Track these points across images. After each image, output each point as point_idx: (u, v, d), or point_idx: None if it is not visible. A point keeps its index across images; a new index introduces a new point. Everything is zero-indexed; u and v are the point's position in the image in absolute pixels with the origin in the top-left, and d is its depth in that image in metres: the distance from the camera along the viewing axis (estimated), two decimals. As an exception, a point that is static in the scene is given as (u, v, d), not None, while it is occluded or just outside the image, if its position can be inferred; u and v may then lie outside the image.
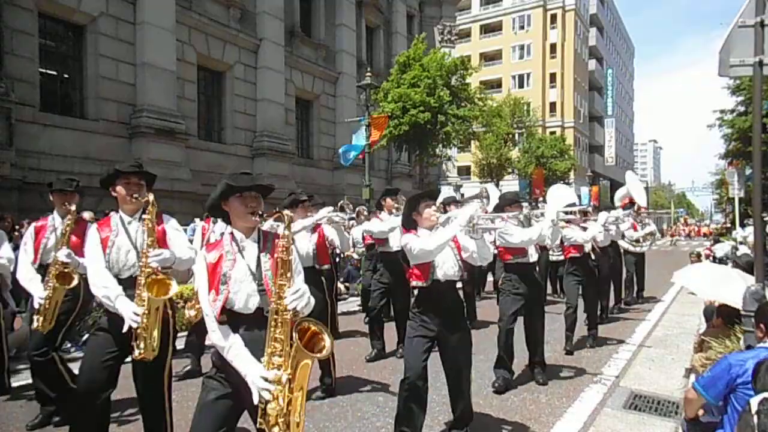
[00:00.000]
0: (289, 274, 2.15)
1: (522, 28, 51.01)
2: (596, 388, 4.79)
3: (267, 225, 4.32)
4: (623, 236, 8.61)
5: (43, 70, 11.25)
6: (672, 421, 3.96)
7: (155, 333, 2.83)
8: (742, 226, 17.62)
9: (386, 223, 5.60)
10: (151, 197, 2.93)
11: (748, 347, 3.62)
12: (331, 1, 19.37)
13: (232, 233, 2.33)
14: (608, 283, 8.07)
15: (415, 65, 18.81)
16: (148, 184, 3.08)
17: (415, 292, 3.42)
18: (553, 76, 50.46)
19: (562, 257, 8.47)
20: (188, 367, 5.13)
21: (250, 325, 2.22)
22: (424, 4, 25.54)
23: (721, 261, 13.05)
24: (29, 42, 10.68)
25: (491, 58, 52.23)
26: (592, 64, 57.45)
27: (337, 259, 8.92)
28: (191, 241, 4.06)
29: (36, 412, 3.90)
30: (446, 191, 11.11)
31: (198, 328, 5.08)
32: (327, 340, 2.10)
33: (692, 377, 4.51)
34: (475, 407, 4.27)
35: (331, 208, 4.47)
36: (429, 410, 4.21)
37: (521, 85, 50.17)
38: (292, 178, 16.71)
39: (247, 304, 2.21)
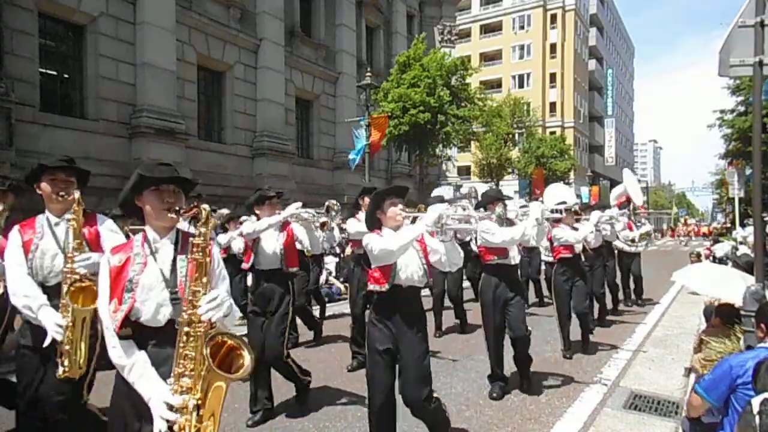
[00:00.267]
0: (205, 279, 1.84)
1: (522, 28, 51.01)
2: (596, 388, 4.79)
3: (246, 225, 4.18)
4: (617, 236, 8.35)
5: (43, 70, 11.24)
6: (672, 421, 3.96)
7: (82, 347, 2.48)
8: (742, 225, 17.62)
9: (364, 223, 5.48)
10: (77, 195, 2.61)
11: (748, 347, 3.63)
12: (331, 1, 19.36)
13: (144, 233, 2.02)
14: (602, 285, 7.75)
15: (415, 65, 18.82)
16: (81, 181, 2.76)
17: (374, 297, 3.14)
18: (553, 76, 50.47)
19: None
20: None
21: (160, 340, 1.90)
22: (424, 4, 25.54)
23: (721, 261, 13.06)
24: (29, 42, 10.67)
25: (491, 58, 52.24)
26: (592, 64, 57.46)
27: (322, 259, 8.60)
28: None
29: None
30: (446, 191, 10.96)
31: None
32: (246, 357, 1.80)
33: (692, 377, 4.51)
34: (475, 407, 4.28)
35: (299, 204, 4.14)
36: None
37: (521, 85, 50.17)
38: (292, 178, 16.71)
39: (157, 315, 1.90)
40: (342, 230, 7.87)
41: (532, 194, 31.42)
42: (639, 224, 9.25)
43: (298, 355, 5.99)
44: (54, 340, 2.47)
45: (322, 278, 9.99)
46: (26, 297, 2.56)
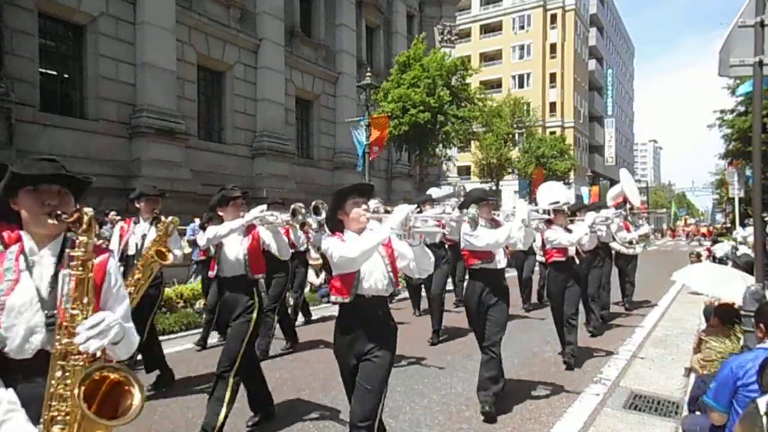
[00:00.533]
0: (86, 299, 1.51)
1: (522, 28, 51.02)
2: (596, 388, 4.79)
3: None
4: (614, 238, 8.09)
5: (43, 70, 11.24)
6: (672, 421, 3.97)
7: None
8: (743, 225, 17.63)
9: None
10: (88, 212, 1.58)
11: (744, 347, 3.63)
12: (331, 1, 19.36)
13: (21, 243, 1.65)
14: (598, 288, 7.44)
15: (415, 65, 18.82)
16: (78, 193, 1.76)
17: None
18: (553, 76, 50.48)
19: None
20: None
21: (31, 374, 1.55)
22: (424, 4, 25.54)
23: (721, 261, 13.06)
24: (29, 42, 10.67)
25: (491, 58, 52.26)
26: (592, 64, 57.48)
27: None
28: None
29: None
30: (437, 191, 10.79)
31: None
32: (137, 395, 1.45)
33: (692, 377, 4.51)
34: (475, 407, 4.28)
35: (263, 207, 3.86)
36: (429, 410, 4.22)
37: (521, 85, 50.18)
38: (292, 178, 16.72)
39: (25, 344, 1.54)
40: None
41: (532, 194, 31.41)
42: (637, 225, 8.94)
43: (300, 357, 6.01)
44: None
45: (321, 279, 9.98)
46: None
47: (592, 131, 57.26)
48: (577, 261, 6.07)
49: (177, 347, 6.28)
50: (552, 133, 44.25)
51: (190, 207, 10.94)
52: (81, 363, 1.47)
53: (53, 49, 11.62)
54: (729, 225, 29.42)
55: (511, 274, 9.78)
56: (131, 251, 4.56)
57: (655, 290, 10.43)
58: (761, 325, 2.64)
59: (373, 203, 2.68)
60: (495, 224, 4.39)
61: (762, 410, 2.09)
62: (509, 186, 37.05)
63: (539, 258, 8.05)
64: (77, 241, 1.55)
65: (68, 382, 1.46)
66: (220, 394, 3.59)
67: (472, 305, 4.29)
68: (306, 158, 18.85)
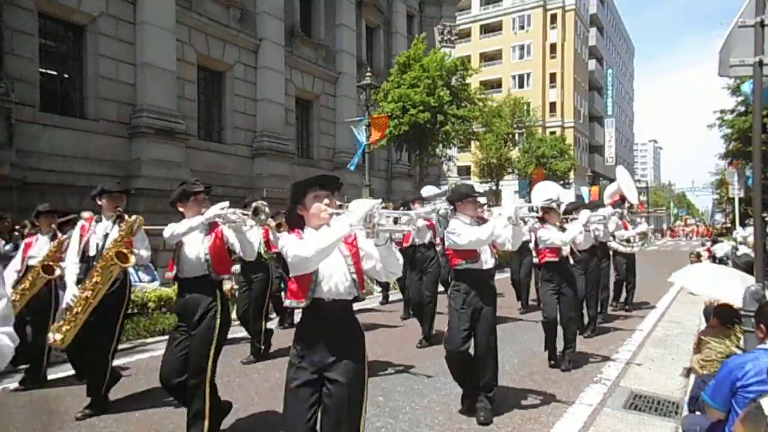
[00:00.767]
0: None
1: (522, 28, 51.04)
2: (596, 388, 4.79)
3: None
4: (613, 236, 7.90)
5: (43, 70, 11.23)
6: (672, 421, 3.97)
7: None
8: (743, 225, 17.63)
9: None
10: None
11: (737, 347, 3.63)
12: (331, 1, 19.36)
13: None
14: (596, 288, 7.18)
15: (415, 65, 18.82)
16: None
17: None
18: (553, 76, 50.49)
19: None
20: None
21: None
22: (424, 4, 25.54)
23: (721, 261, 13.07)
24: (29, 42, 10.67)
25: (491, 58, 52.27)
26: (592, 64, 57.49)
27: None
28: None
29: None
30: (431, 190, 10.67)
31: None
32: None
33: (692, 377, 4.51)
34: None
35: (225, 204, 3.53)
36: (429, 410, 4.22)
37: (521, 85, 50.18)
38: (292, 178, 16.64)
39: None
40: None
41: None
42: (635, 224, 8.75)
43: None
44: None
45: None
46: None
47: (592, 131, 57.28)
48: (572, 261, 5.87)
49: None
50: (552, 133, 44.25)
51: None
52: None
53: (53, 49, 11.62)
54: (729, 225, 29.42)
55: (504, 276, 9.80)
56: (92, 252, 4.15)
57: (655, 290, 10.42)
58: (761, 326, 2.64)
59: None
60: (482, 222, 4.14)
61: (767, 410, 2.09)
62: (509, 186, 37.02)
63: (536, 259, 7.93)
64: None
65: None
66: (198, 408, 3.37)
67: (456, 307, 4.04)
68: (306, 158, 18.85)
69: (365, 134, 14.43)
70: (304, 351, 2.41)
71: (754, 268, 4.23)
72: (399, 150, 21.02)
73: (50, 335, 3.93)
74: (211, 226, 3.65)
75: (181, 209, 3.69)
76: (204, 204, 3.70)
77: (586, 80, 55.64)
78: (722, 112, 24.04)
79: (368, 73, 14.79)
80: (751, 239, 11.23)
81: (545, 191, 5.87)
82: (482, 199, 4.45)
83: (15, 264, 5.05)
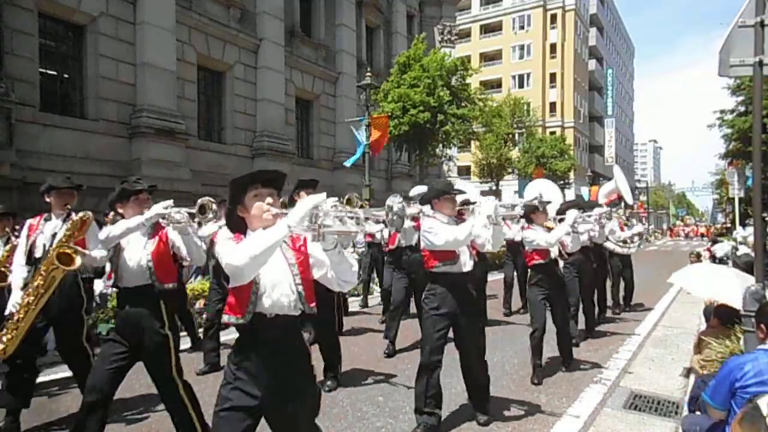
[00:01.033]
0: None
1: (522, 28, 51.06)
2: (596, 388, 4.79)
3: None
4: (608, 237, 7.65)
5: (43, 70, 11.23)
6: (672, 421, 3.97)
7: None
8: (743, 225, 17.63)
9: None
10: None
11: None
12: (331, 1, 19.36)
13: None
14: (592, 292, 6.97)
15: (415, 65, 18.82)
16: None
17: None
18: (553, 76, 50.51)
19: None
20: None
21: None
22: (424, 4, 25.53)
23: (721, 261, 13.08)
24: (29, 42, 10.67)
25: (491, 58, 52.29)
26: (592, 64, 57.51)
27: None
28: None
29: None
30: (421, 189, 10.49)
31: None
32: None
33: (692, 377, 4.52)
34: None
35: (169, 202, 3.23)
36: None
37: (521, 85, 50.21)
38: (293, 179, 16.68)
39: None
40: None
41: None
42: (630, 225, 8.61)
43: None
44: None
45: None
46: None
47: (592, 131, 57.30)
48: (561, 264, 5.59)
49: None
50: (552, 133, 44.27)
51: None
52: None
53: (53, 49, 11.62)
54: (729, 225, 29.43)
55: (497, 277, 9.77)
56: (38, 253, 3.80)
57: (655, 291, 10.42)
58: (762, 326, 2.64)
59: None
60: (461, 221, 3.84)
61: (765, 411, 2.09)
62: (509, 186, 37.05)
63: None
64: None
65: None
66: (182, 420, 3.17)
67: (430, 311, 3.79)
68: (306, 158, 18.85)
69: (365, 134, 14.43)
70: (239, 374, 2.10)
71: (754, 268, 4.23)
72: (399, 150, 21.02)
73: None
74: (155, 229, 3.30)
75: (120, 211, 3.35)
76: (146, 205, 3.34)
77: (586, 80, 55.66)
78: (722, 112, 24.05)
79: (368, 73, 14.79)
80: (751, 239, 11.24)
81: (537, 191, 5.74)
82: (461, 197, 4.13)
83: None
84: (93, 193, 8.42)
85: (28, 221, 4.02)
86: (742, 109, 22.50)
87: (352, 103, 19.76)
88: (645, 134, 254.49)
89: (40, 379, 4.62)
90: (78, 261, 3.52)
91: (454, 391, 4.66)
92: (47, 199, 3.94)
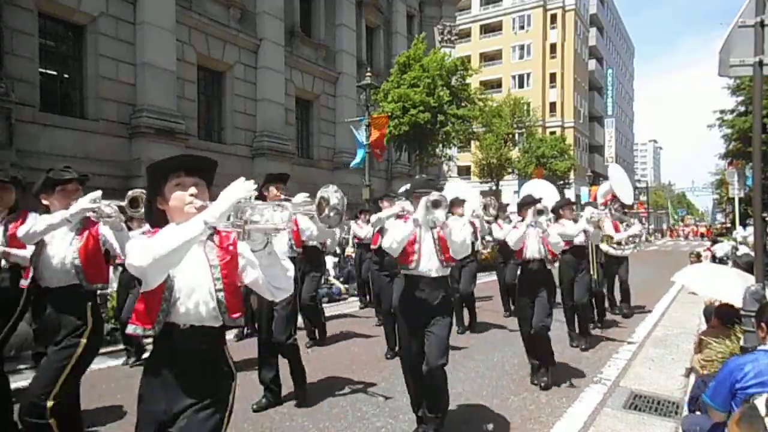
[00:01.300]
0: None
1: (522, 28, 51.06)
2: (596, 388, 4.79)
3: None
4: (602, 239, 7.29)
5: (43, 70, 11.23)
6: (672, 421, 3.96)
7: None
8: (743, 225, 17.63)
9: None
10: None
11: (742, 349, 3.63)
12: (331, 1, 19.36)
13: None
14: (588, 294, 6.61)
15: (415, 65, 18.82)
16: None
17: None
18: (553, 76, 50.51)
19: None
20: None
21: None
22: (424, 4, 25.53)
23: (721, 261, 13.09)
24: (29, 42, 10.67)
25: (491, 58, 52.29)
26: (592, 64, 57.52)
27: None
28: None
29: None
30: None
31: None
32: None
33: (692, 377, 4.52)
34: (475, 407, 4.28)
35: (97, 195, 2.90)
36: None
37: (521, 85, 50.21)
38: (292, 179, 16.68)
39: None
40: None
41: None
42: (628, 224, 8.15)
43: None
44: None
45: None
46: None
47: (592, 131, 57.31)
48: (548, 266, 5.31)
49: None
50: (552, 133, 44.28)
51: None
52: None
53: (53, 49, 11.62)
54: (729, 225, 29.43)
55: (491, 278, 9.73)
56: None
57: (655, 291, 10.42)
58: (762, 325, 2.64)
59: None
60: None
61: (762, 411, 2.09)
62: (509, 186, 37.03)
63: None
64: None
65: None
66: None
67: (402, 318, 3.63)
68: (306, 158, 18.86)
69: (365, 134, 14.44)
70: (155, 391, 1.81)
71: (754, 268, 4.23)
72: (399, 150, 21.03)
73: None
74: (84, 224, 2.99)
75: (45, 202, 3.03)
76: (75, 196, 2.98)
77: (586, 80, 55.66)
78: (722, 112, 24.08)
79: (368, 73, 14.80)
80: (751, 239, 11.23)
81: (531, 190, 5.72)
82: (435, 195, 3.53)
83: None
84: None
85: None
86: (742, 109, 22.52)
87: (352, 103, 19.77)
88: (645, 134, 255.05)
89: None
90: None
91: (454, 391, 4.65)
92: (44, 201, 3.16)
